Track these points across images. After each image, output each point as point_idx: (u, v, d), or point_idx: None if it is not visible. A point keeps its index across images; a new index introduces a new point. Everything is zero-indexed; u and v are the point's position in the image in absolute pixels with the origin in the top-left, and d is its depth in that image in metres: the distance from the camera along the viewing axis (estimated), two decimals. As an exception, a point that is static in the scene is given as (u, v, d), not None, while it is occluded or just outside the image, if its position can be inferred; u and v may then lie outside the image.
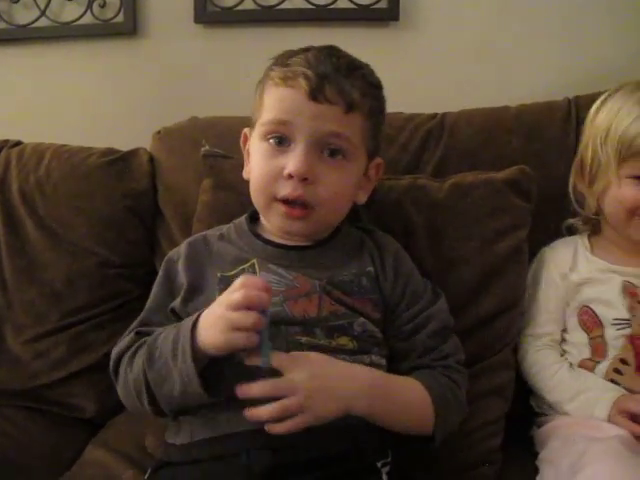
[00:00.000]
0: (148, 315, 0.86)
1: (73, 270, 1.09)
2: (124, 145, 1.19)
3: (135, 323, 0.86)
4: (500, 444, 0.94)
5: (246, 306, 0.70)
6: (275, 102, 0.83)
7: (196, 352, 0.74)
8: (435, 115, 1.13)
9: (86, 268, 1.09)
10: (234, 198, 0.98)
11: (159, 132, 1.17)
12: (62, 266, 1.09)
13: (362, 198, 0.91)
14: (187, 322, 0.76)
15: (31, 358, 1.06)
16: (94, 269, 1.10)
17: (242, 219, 0.92)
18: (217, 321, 0.72)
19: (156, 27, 1.33)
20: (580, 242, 1.05)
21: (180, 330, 0.76)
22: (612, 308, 0.98)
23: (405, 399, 0.80)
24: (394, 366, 0.85)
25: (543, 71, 1.26)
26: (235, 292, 0.71)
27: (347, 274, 0.85)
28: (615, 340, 0.96)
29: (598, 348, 0.97)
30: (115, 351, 0.83)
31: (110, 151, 1.17)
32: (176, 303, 0.85)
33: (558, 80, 1.25)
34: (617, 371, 0.95)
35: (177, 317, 0.84)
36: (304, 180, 0.81)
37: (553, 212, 1.06)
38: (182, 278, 0.86)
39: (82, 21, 1.33)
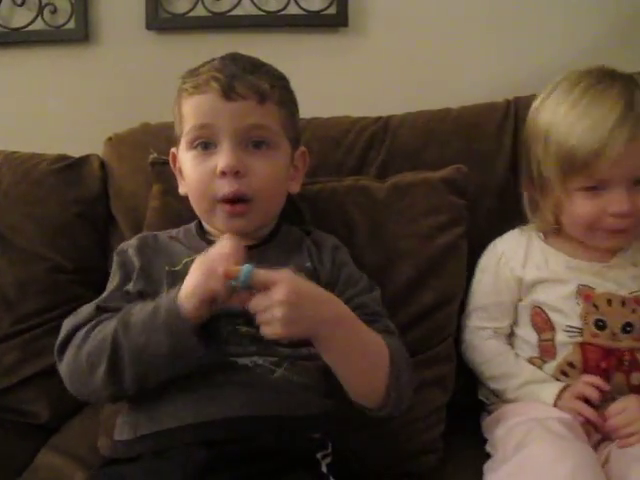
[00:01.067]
0: (108, 295, 0.88)
1: (24, 276, 1.09)
2: (76, 151, 1.20)
3: (95, 301, 0.87)
4: (441, 433, 0.97)
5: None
6: (193, 110, 0.87)
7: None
8: (379, 118, 1.16)
9: (38, 274, 1.10)
10: (183, 204, 0.99)
11: (110, 138, 1.18)
12: (13, 272, 1.09)
13: (295, 187, 0.95)
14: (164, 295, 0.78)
15: (-18, 365, 1.06)
16: (46, 275, 1.10)
17: (192, 224, 0.96)
18: (196, 270, 0.76)
19: (108, 33, 1.34)
20: (534, 234, 1.02)
21: (158, 298, 0.78)
22: (565, 315, 0.96)
23: (366, 339, 0.80)
24: None
25: (487, 74, 1.31)
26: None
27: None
28: (565, 345, 0.96)
29: (548, 350, 0.98)
30: (70, 323, 0.83)
31: (62, 157, 1.17)
32: (130, 285, 0.87)
33: (503, 83, 1.29)
34: (563, 372, 0.97)
35: (129, 296, 0.86)
36: (237, 174, 0.85)
37: (493, 208, 1.10)
38: (134, 262, 0.89)
39: (33, 27, 1.33)
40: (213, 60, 0.90)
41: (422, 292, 0.99)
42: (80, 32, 1.33)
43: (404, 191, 1.02)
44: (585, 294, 0.96)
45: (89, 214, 1.14)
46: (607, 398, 0.93)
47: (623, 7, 1.29)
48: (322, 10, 1.30)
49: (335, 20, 1.31)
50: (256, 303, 0.74)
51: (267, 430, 0.77)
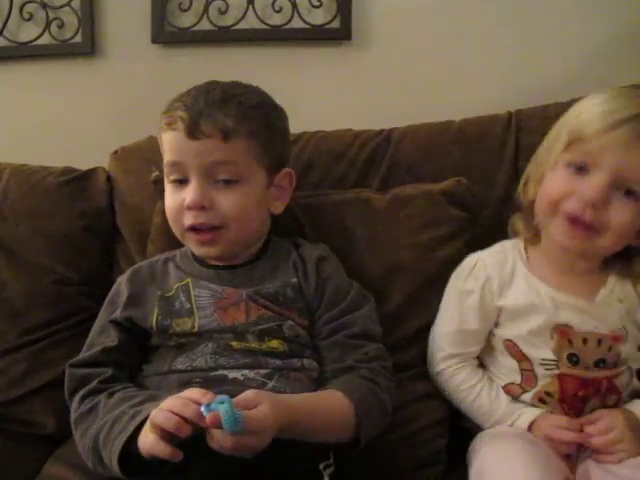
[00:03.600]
0: (92, 336, 0.93)
1: (31, 288, 1.10)
2: (83, 164, 1.21)
3: (84, 348, 0.92)
4: (445, 445, 0.97)
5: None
6: (166, 145, 0.92)
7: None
8: (382, 131, 1.17)
9: (44, 286, 1.11)
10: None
11: (116, 152, 1.19)
12: (20, 284, 1.10)
13: (279, 208, 0.98)
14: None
15: (-11, 376, 1.07)
16: (52, 287, 1.11)
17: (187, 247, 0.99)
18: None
19: (114, 47, 1.36)
20: (518, 255, 0.97)
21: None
22: (537, 348, 0.94)
23: (325, 415, 0.82)
24: (321, 368, 0.90)
25: (489, 86, 1.31)
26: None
27: (271, 286, 0.91)
28: (544, 376, 0.94)
29: (529, 379, 0.95)
30: (75, 373, 0.88)
31: (68, 170, 1.19)
32: (117, 313, 0.91)
33: (505, 95, 1.29)
34: (541, 400, 0.95)
35: (118, 326, 0.90)
36: (202, 208, 0.89)
37: (492, 219, 1.09)
38: (124, 292, 0.93)
39: (40, 41, 1.35)
40: (190, 91, 0.94)
41: (422, 305, 1.00)
42: (87, 46, 1.34)
43: (404, 203, 1.03)
44: (561, 330, 0.92)
45: (95, 227, 1.15)
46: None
47: (627, 17, 1.29)
48: (326, 24, 1.32)
49: (338, 34, 1.32)
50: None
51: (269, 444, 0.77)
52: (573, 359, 0.92)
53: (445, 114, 1.20)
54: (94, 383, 0.86)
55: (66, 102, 1.37)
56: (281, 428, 0.74)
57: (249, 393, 0.73)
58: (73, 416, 0.86)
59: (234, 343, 0.86)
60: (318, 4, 1.31)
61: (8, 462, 1.01)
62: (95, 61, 1.36)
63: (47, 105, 1.37)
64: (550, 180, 0.92)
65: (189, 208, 0.89)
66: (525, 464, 0.82)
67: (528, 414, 0.94)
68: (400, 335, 0.92)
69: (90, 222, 1.15)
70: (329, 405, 0.83)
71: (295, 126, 1.14)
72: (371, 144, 1.14)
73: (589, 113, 0.89)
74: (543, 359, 0.93)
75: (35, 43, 1.35)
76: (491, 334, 0.98)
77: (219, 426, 0.67)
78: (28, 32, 1.35)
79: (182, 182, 0.91)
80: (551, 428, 0.90)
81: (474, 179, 1.07)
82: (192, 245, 0.93)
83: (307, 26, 1.32)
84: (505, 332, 0.96)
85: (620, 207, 0.87)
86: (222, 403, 0.68)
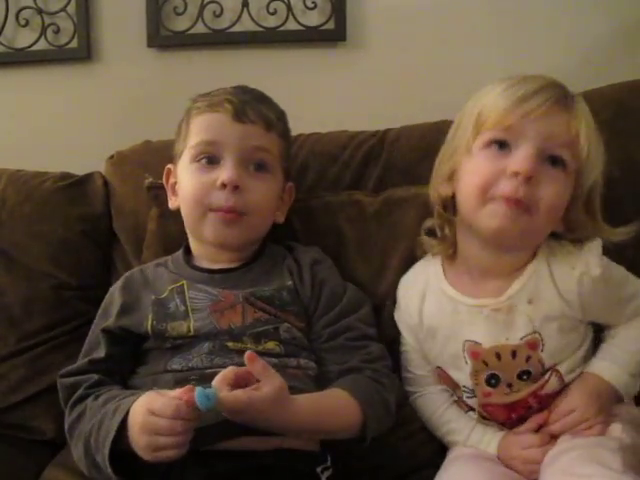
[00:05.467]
0: (85, 348, 0.94)
1: (30, 293, 1.11)
2: (80, 169, 1.22)
3: (80, 356, 0.93)
4: (441, 447, 0.96)
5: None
6: (203, 126, 0.93)
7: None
8: (376, 132, 1.16)
9: (43, 291, 1.11)
10: (178, 227, 1.02)
11: (112, 156, 1.20)
12: (19, 290, 1.11)
13: (280, 218, 1.00)
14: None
15: (-12, 382, 1.07)
16: (51, 292, 1.11)
17: (179, 251, 1.00)
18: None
19: (110, 52, 1.36)
20: (432, 270, 0.94)
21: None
22: (460, 373, 0.90)
23: (332, 414, 0.83)
24: (324, 369, 0.90)
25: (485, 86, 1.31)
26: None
27: (267, 289, 0.92)
28: (470, 403, 0.92)
29: (461, 405, 0.94)
30: (63, 383, 0.90)
31: (65, 175, 1.19)
32: (110, 322, 0.91)
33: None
34: (485, 418, 0.92)
35: (110, 335, 0.91)
36: (235, 188, 0.89)
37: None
38: (117, 301, 0.93)
39: (36, 47, 1.35)
40: (221, 88, 0.97)
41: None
42: (83, 51, 1.35)
43: (395, 206, 1.03)
44: (472, 351, 0.88)
45: (93, 232, 1.16)
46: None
47: (624, 15, 1.29)
48: (320, 25, 1.32)
49: (333, 35, 1.32)
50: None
51: (265, 447, 0.79)
52: (491, 381, 0.88)
53: (440, 114, 1.19)
54: (81, 390, 0.86)
55: (62, 107, 1.38)
56: (284, 422, 0.76)
57: (265, 365, 0.76)
58: (66, 425, 0.87)
59: (230, 344, 0.87)
60: (313, 6, 1.31)
61: (8, 468, 1.01)
62: (91, 66, 1.36)
63: (43, 110, 1.38)
64: (471, 167, 0.86)
65: (223, 186, 0.89)
66: None
67: (493, 438, 0.91)
68: (387, 338, 0.92)
69: (87, 227, 1.15)
70: (335, 404, 0.84)
71: (290, 127, 1.15)
72: (366, 145, 1.13)
73: (492, 95, 0.87)
74: (464, 386, 0.91)
75: (31, 49, 1.36)
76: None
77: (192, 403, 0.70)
78: (24, 38, 1.36)
79: (212, 162, 0.92)
80: (522, 451, 0.87)
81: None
82: (211, 226, 0.91)
83: (302, 28, 1.32)
84: (434, 359, 0.93)
85: (550, 179, 0.82)
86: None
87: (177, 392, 0.72)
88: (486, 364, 0.88)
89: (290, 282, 0.93)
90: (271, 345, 0.88)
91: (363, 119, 1.24)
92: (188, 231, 0.99)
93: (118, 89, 1.36)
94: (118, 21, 1.35)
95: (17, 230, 1.13)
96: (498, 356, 0.87)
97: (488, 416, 0.92)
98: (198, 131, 0.93)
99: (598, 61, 1.28)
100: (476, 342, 0.88)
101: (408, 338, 0.96)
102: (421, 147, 1.11)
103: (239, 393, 0.73)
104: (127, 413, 0.76)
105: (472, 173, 0.86)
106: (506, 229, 0.83)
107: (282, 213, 1.00)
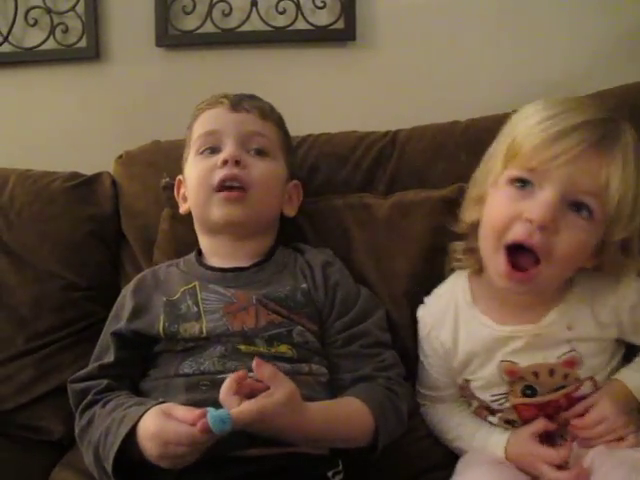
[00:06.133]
0: (95, 352, 0.93)
1: (38, 294, 1.10)
2: (88, 169, 1.21)
3: (91, 360, 0.93)
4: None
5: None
6: (203, 121, 0.99)
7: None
8: (387, 133, 1.15)
9: (51, 292, 1.11)
10: (190, 228, 1.02)
11: (121, 156, 1.19)
12: (28, 290, 1.11)
13: (290, 211, 1.02)
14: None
15: (-3, 383, 1.07)
16: (59, 292, 1.11)
17: (192, 254, 1.00)
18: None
19: (118, 51, 1.36)
20: (461, 293, 0.92)
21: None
22: (490, 389, 0.89)
23: (344, 422, 0.83)
24: (337, 377, 0.89)
25: (496, 87, 1.30)
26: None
27: (282, 290, 0.91)
28: (499, 407, 0.90)
29: (481, 412, 0.93)
30: (74, 389, 0.89)
31: (74, 175, 1.19)
32: (121, 325, 0.91)
33: (511, 95, 1.26)
34: (507, 422, 0.91)
35: (120, 339, 0.90)
36: (237, 163, 0.93)
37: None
38: (128, 304, 0.93)
39: (45, 46, 1.35)
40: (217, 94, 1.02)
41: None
42: (91, 50, 1.34)
43: (405, 210, 1.02)
44: (509, 370, 0.87)
45: (101, 232, 1.15)
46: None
47: (628, 18, 1.28)
48: (330, 25, 1.31)
49: (343, 34, 1.31)
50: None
51: (269, 443, 0.78)
52: (527, 392, 0.87)
53: (451, 115, 1.19)
54: (90, 396, 0.86)
55: (71, 106, 1.37)
56: (297, 430, 0.76)
57: (278, 372, 0.76)
58: (76, 430, 0.87)
59: (242, 347, 0.86)
60: (322, 5, 1.30)
61: (16, 468, 1.01)
62: (100, 65, 1.36)
63: (52, 110, 1.37)
64: (493, 202, 0.84)
65: (225, 162, 0.92)
66: None
67: (500, 440, 0.90)
68: (401, 343, 0.91)
69: (96, 227, 1.15)
70: (348, 412, 0.83)
71: (300, 128, 1.14)
72: (376, 146, 1.12)
73: (526, 126, 0.81)
74: (492, 395, 0.89)
75: (40, 48, 1.35)
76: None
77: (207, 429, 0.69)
78: (33, 37, 1.35)
79: (214, 151, 0.95)
80: (540, 464, 0.85)
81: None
82: (217, 207, 0.93)
83: (311, 27, 1.31)
84: (462, 376, 0.92)
85: (571, 226, 0.78)
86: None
87: (189, 416, 0.71)
88: (523, 379, 0.87)
89: (305, 285, 0.92)
90: (283, 349, 0.87)
91: (373, 119, 1.24)
92: (197, 225, 1.00)
93: (127, 89, 1.36)
94: (127, 21, 1.35)
95: (26, 230, 1.13)
96: (536, 374, 0.86)
97: (513, 417, 0.90)
98: (199, 127, 0.98)
99: (609, 62, 1.27)
100: (513, 362, 0.87)
101: (434, 360, 0.94)
102: (432, 148, 1.11)
103: (251, 405, 0.72)
104: (134, 426, 0.76)
105: (492, 211, 0.83)
106: (508, 289, 0.82)
107: (292, 208, 1.02)
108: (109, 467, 0.76)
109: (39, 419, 1.07)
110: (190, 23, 1.33)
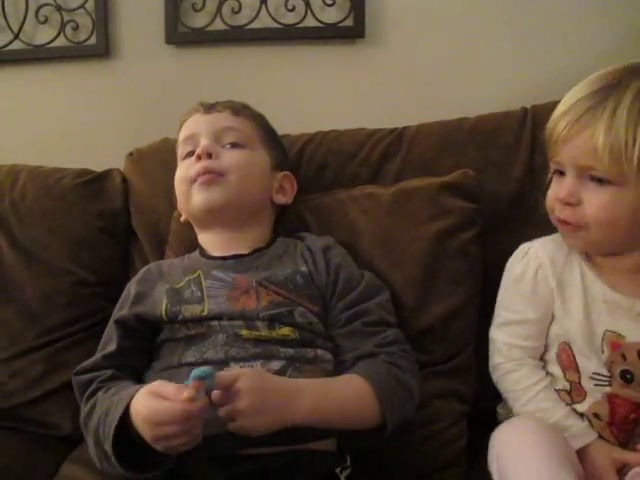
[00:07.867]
0: (101, 342, 0.95)
1: (49, 289, 1.11)
2: (98, 166, 1.22)
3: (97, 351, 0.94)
4: (465, 446, 0.95)
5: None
6: (183, 130, 1.04)
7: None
8: (395, 129, 1.15)
9: (61, 287, 1.11)
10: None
11: (131, 153, 1.20)
12: (38, 286, 1.11)
13: (281, 200, 1.04)
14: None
15: (7, 378, 1.08)
16: (69, 288, 1.12)
17: (196, 251, 1.02)
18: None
19: (128, 48, 1.36)
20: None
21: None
22: (590, 360, 0.87)
23: (343, 400, 0.82)
24: (340, 359, 0.89)
25: (504, 82, 1.30)
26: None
27: (282, 274, 0.92)
28: (593, 392, 0.87)
29: (578, 390, 0.89)
30: (79, 380, 0.90)
31: (84, 172, 1.19)
32: (124, 311, 0.92)
33: (520, 91, 1.27)
34: (588, 420, 0.88)
35: (123, 326, 0.91)
36: (209, 156, 0.96)
37: (509, 216, 1.08)
38: (131, 292, 0.95)
39: (55, 44, 1.36)
40: None
41: (433, 300, 0.98)
42: (101, 48, 1.35)
43: (409, 196, 1.02)
44: (612, 342, 0.85)
45: (111, 228, 1.16)
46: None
47: (636, 17, 1.27)
48: (339, 22, 1.31)
49: (352, 32, 1.31)
50: (220, 397, 0.73)
51: (276, 442, 0.77)
52: (627, 376, 0.85)
53: (459, 112, 1.19)
54: (94, 384, 0.87)
55: (81, 104, 1.38)
56: (292, 411, 0.76)
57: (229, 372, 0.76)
58: (80, 419, 0.87)
59: (244, 332, 0.86)
60: (331, 2, 1.30)
61: (25, 463, 1.01)
62: (109, 62, 1.36)
63: (62, 107, 1.38)
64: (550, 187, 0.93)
65: (198, 157, 0.96)
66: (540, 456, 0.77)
67: (587, 434, 0.86)
68: (408, 331, 0.91)
69: (106, 224, 1.15)
70: (344, 388, 0.83)
71: (308, 125, 1.15)
72: (384, 143, 1.12)
73: (554, 115, 0.89)
74: (595, 373, 0.87)
75: (50, 45, 1.36)
76: (548, 331, 0.91)
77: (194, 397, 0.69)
78: (43, 35, 1.36)
79: (193, 154, 0.98)
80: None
81: (490, 176, 1.05)
82: (196, 195, 0.96)
83: (320, 24, 1.32)
84: (562, 331, 0.90)
85: (592, 196, 0.85)
86: None
87: (175, 393, 0.71)
88: (624, 358, 0.85)
89: (304, 268, 0.93)
90: (286, 331, 0.87)
91: (381, 116, 1.24)
92: (193, 224, 1.03)
93: (136, 86, 1.36)
94: (136, 18, 1.35)
95: (36, 226, 1.13)
96: (639, 354, 0.85)
97: (604, 410, 0.87)
98: (180, 136, 1.04)
99: (617, 61, 1.25)
100: (619, 334, 0.86)
101: (528, 308, 0.91)
102: (440, 144, 1.10)
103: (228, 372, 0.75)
104: (127, 406, 0.76)
105: (548, 195, 0.92)
106: (577, 245, 0.91)
107: (285, 197, 1.04)
108: (109, 448, 0.76)
109: (49, 414, 1.08)
110: (200, 20, 1.33)
